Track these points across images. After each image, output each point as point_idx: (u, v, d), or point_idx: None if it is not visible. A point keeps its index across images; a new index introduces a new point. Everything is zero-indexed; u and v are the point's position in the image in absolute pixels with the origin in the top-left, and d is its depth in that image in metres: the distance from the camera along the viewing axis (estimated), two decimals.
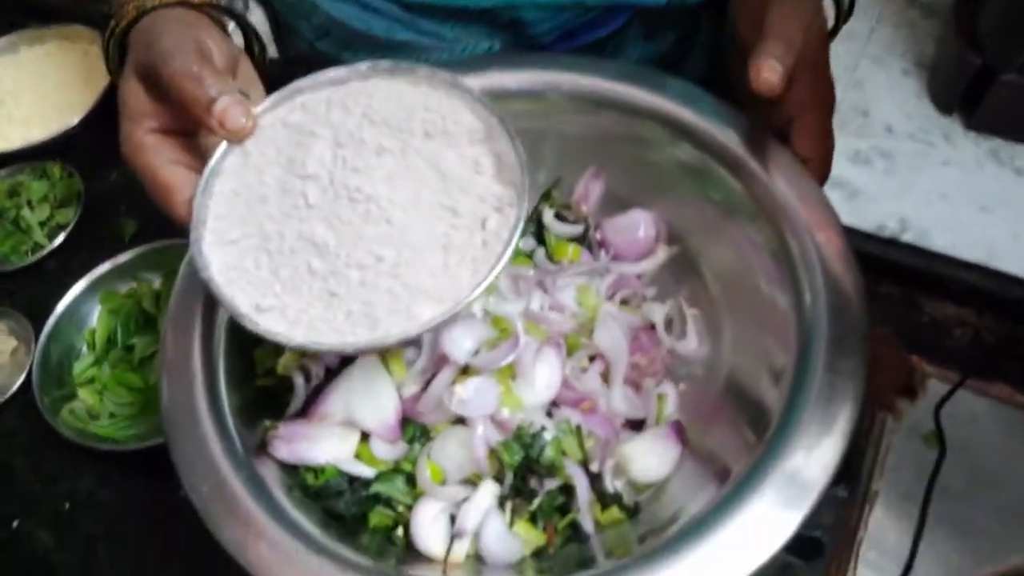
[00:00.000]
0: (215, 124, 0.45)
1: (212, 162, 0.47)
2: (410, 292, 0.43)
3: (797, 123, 0.54)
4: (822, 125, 0.55)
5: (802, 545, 0.55)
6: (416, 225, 0.45)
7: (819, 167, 0.55)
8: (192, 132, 0.50)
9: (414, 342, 0.51)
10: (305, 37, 0.75)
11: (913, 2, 2.19)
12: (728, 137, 0.56)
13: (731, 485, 0.46)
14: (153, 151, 0.48)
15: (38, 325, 0.76)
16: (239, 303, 0.44)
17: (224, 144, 0.47)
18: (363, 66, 0.48)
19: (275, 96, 0.49)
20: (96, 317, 0.76)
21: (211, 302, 0.55)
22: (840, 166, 2.00)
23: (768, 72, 0.49)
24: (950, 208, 1.87)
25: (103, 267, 0.77)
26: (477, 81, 0.60)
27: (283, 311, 0.44)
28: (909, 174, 1.94)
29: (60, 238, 0.83)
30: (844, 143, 2.00)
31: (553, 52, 0.65)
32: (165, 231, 0.79)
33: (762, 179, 0.54)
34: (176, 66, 0.46)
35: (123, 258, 0.78)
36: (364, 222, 0.44)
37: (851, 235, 0.52)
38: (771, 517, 0.43)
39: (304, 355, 0.58)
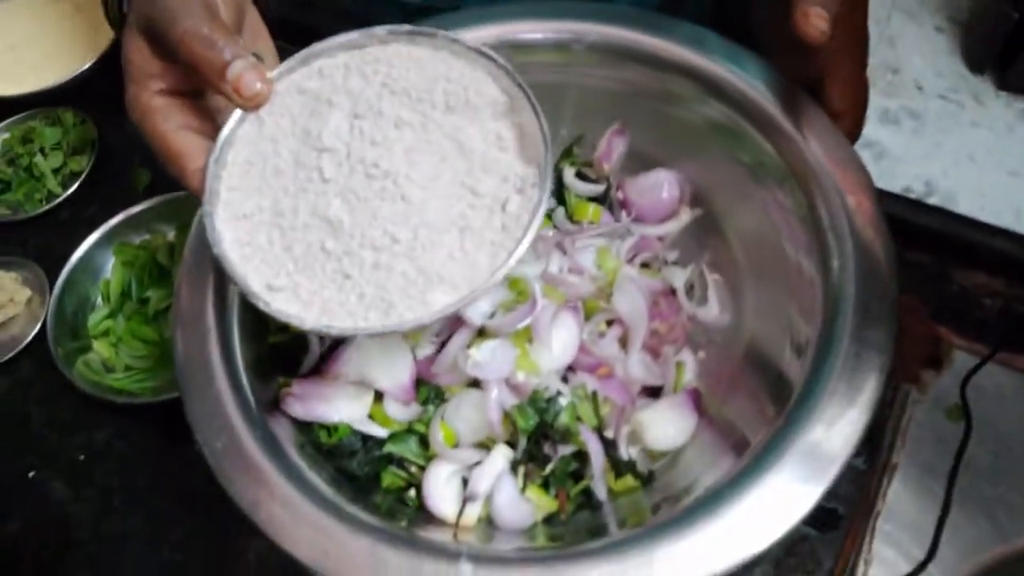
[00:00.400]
0: (229, 90, 0.43)
1: (225, 131, 0.45)
2: (425, 277, 0.42)
3: (831, 74, 0.52)
4: (858, 76, 0.53)
5: (818, 516, 0.55)
6: (434, 204, 0.43)
7: (852, 122, 0.53)
8: (201, 93, 0.48)
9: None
10: None
11: None
12: (762, 95, 0.53)
13: (750, 456, 0.45)
14: (162, 115, 0.46)
15: (52, 275, 0.75)
16: (252, 282, 0.43)
17: (238, 112, 0.45)
18: (382, 30, 0.46)
19: (291, 60, 0.46)
20: (110, 268, 0.76)
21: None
22: (868, 125, 1.96)
23: (817, 18, 0.46)
24: (978, 171, 1.83)
25: (117, 218, 0.76)
26: (497, 30, 0.59)
27: (296, 291, 0.43)
28: (937, 135, 1.89)
29: (74, 187, 0.82)
30: (873, 102, 1.92)
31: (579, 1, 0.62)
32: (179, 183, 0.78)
33: (794, 140, 0.52)
34: (186, 26, 0.43)
35: (137, 209, 0.77)
36: (380, 199, 0.43)
37: (881, 198, 0.50)
38: (790, 490, 0.43)
39: None
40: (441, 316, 0.41)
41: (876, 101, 1.94)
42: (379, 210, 0.43)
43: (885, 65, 2.00)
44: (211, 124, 0.47)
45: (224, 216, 0.44)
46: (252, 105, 0.44)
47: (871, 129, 1.96)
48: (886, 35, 2.04)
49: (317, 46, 0.46)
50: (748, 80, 0.54)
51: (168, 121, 0.46)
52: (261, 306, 0.42)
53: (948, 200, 1.79)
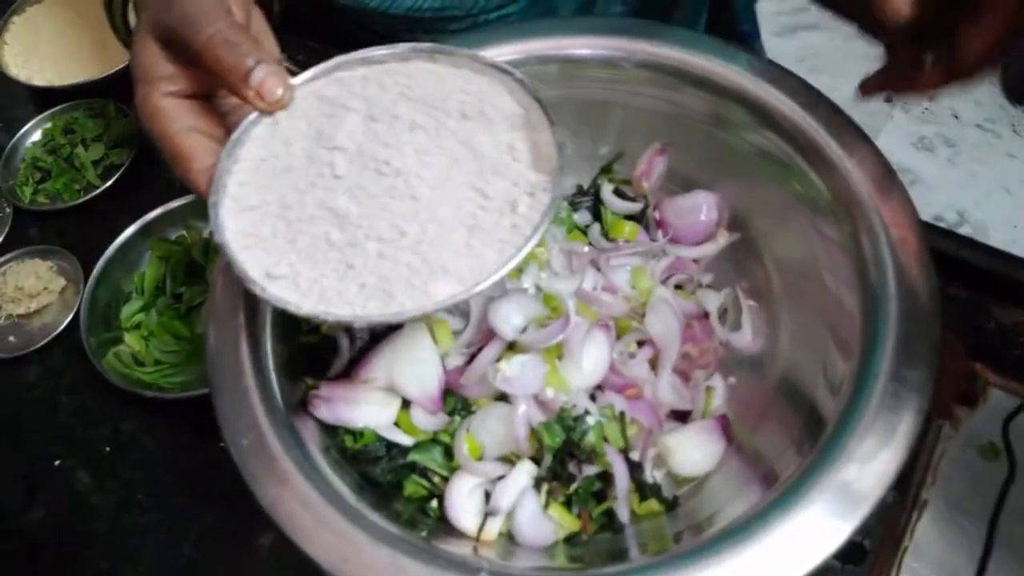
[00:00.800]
0: (251, 95, 0.44)
1: (239, 131, 0.45)
2: (429, 268, 0.42)
3: (972, 20, 0.45)
4: (993, 36, 0.45)
5: (845, 549, 0.54)
6: (443, 203, 0.43)
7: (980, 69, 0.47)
8: (211, 95, 0.48)
9: (428, 316, 0.49)
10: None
11: None
12: (811, 125, 0.53)
13: (779, 489, 0.45)
14: (170, 117, 0.46)
15: (87, 266, 0.76)
16: (250, 268, 0.43)
17: (254, 114, 0.46)
18: (404, 47, 0.47)
19: (313, 70, 0.47)
20: (145, 262, 0.76)
21: None
22: (903, 151, 1.94)
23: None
24: (1012, 202, 1.81)
25: (155, 212, 0.77)
26: (546, 44, 0.59)
27: (295, 280, 0.43)
28: (972, 164, 1.87)
29: (113, 179, 0.83)
30: (908, 128, 1.93)
31: (633, 19, 0.62)
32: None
33: (841, 171, 0.51)
34: (210, 32, 0.43)
35: (174, 205, 0.78)
36: (390, 196, 0.43)
37: (928, 232, 0.49)
38: (819, 527, 0.42)
39: None
40: (443, 306, 0.41)
41: (911, 127, 1.94)
42: (388, 205, 0.43)
43: None
44: (219, 126, 0.47)
45: (230, 208, 0.45)
46: (273, 109, 0.45)
47: (905, 155, 1.95)
48: None
49: (340, 58, 0.47)
50: (799, 110, 0.53)
51: (176, 123, 0.46)
52: (257, 292, 0.42)
53: (979, 231, 1.77)
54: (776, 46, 1.59)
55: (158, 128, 0.46)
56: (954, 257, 0.64)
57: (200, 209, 0.78)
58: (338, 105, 0.46)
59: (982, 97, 1.95)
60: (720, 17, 0.85)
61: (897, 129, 1.93)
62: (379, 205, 0.43)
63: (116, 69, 0.89)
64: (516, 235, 0.42)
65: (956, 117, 1.94)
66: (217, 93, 0.49)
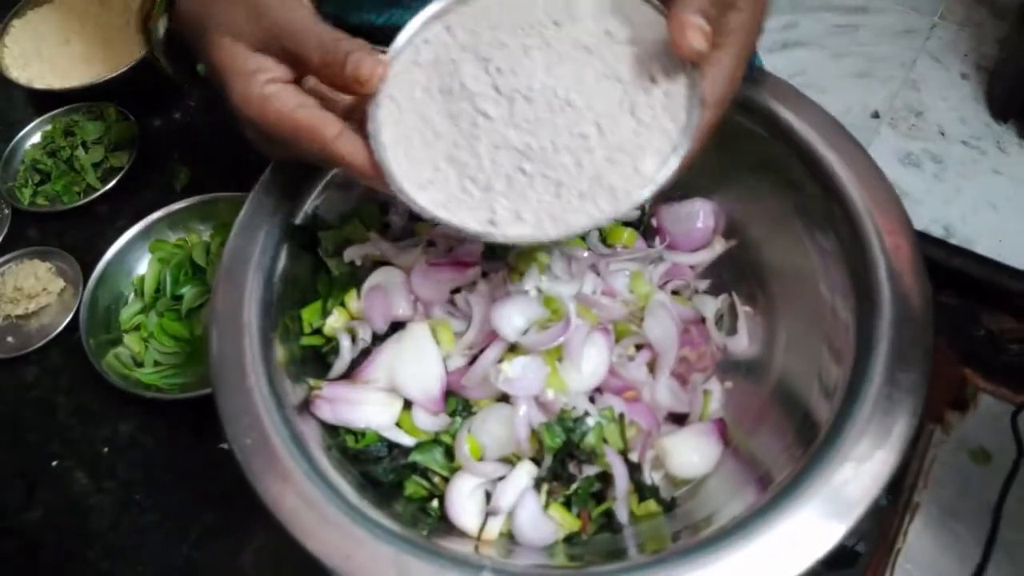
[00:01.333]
0: (350, 80, 0.45)
1: (369, 122, 0.47)
2: (627, 153, 0.44)
3: (709, 63, 0.45)
4: (735, 70, 0.46)
5: (838, 552, 0.55)
6: (596, 100, 0.45)
7: (717, 114, 0.46)
8: (298, 80, 0.50)
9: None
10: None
11: (982, 0, 2.12)
12: (808, 133, 0.54)
13: (774, 491, 0.46)
14: (282, 99, 0.47)
15: (86, 268, 0.77)
16: (468, 223, 0.46)
17: (374, 104, 0.47)
18: None
19: (394, 45, 0.48)
20: (145, 264, 0.77)
21: (263, 257, 0.55)
22: (890, 167, 1.97)
23: (694, 33, 0.42)
24: (997, 218, 1.84)
25: (155, 215, 0.78)
26: None
27: (518, 215, 0.45)
28: (958, 180, 1.90)
29: (113, 182, 0.83)
30: (895, 144, 1.96)
31: None
32: (216, 183, 0.79)
33: (836, 179, 0.52)
34: (307, 39, 0.46)
35: (174, 207, 0.78)
36: (551, 112, 0.45)
37: (920, 240, 0.50)
38: (812, 529, 0.43)
39: (352, 317, 0.59)
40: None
41: (898, 143, 1.96)
42: (556, 122, 0.45)
43: (909, 108, 2.01)
44: (319, 102, 0.48)
45: (411, 188, 0.46)
46: (371, 85, 0.46)
47: (892, 170, 1.97)
48: (911, 78, 2.05)
49: (411, 25, 0.48)
50: (796, 119, 0.55)
51: (292, 101, 0.47)
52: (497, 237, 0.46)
53: (966, 245, 1.79)
54: (766, 61, 1.62)
55: (275, 109, 0.47)
56: (945, 266, 0.65)
57: (200, 212, 0.78)
58: (444, 62, 0.47)
59: (968, 114, 1.98)
60: None
61: (884, 145, 1.96)
62: (549, 125, 0.45)
63: (117, 72, 0.89)
64: (673, 102, 0.44)
65: (942, 134, 1.97)
66: (302, 77, 0.50)
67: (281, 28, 0.47)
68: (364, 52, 0.45)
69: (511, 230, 0.45)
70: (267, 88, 0.48)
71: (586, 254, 0.61)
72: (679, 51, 0.42)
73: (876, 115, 2.00)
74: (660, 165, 0.44)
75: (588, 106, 0.45)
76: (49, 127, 0.88)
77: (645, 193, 0.44)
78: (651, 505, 0.54)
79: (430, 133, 0.47)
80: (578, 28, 0.46)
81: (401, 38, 0.48)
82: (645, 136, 0.45)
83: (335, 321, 0.58)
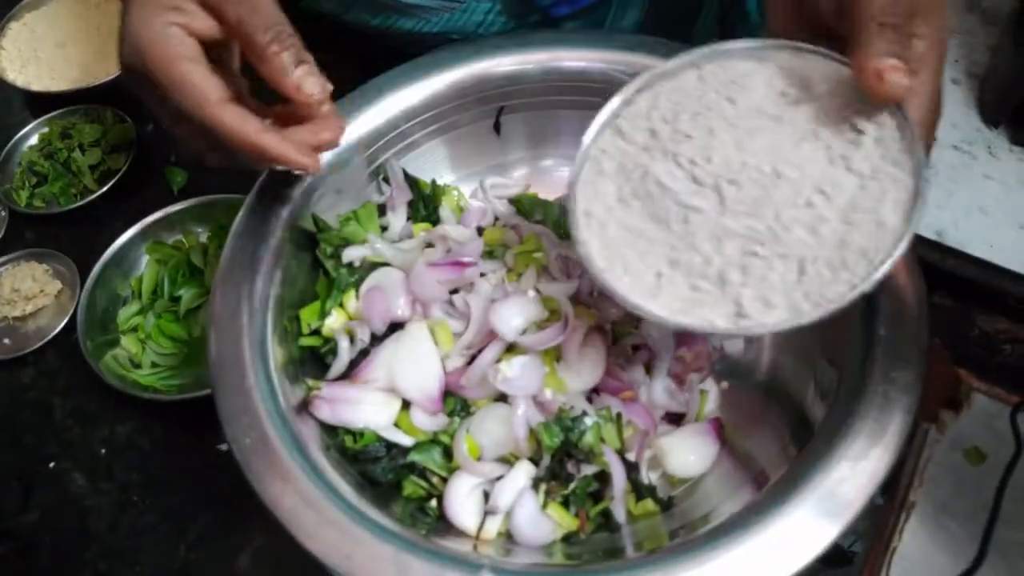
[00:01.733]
0: (291, 85, 0.45)
1: (578, 248, 0.46)
2: (864, 211, 0.41)
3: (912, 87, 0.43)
4: (935, 86, 0.44)
5: (834, 551, 0.55)
6: (806, 165, 0.42)
7: (930, 132, 0.44)
8: (219, 52, 0.48)
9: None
10: (302, 2, 0.74)
11: (973, 7, 2.14)
12: None
13: (770, 490, 0.46)
14: (177, 44, 0.44)
15: (83, 270, 0.76)
16: (717, 322, 0.43)
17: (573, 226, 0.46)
18: (694, 55, 0.47)
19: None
20: (142, 266, 0.77)
21: (262, 258, 0.55)
22: None
23: (894, 73, 0.40)
24: (989, 223, 1.84)
25: (152, 216, 0.78)
26: (543, 56, 0.61)
27: (767, 301, 0.42)
28: (950, 185, 1.91)
29: (110, 184, 0.83)
30: None
31: (629, 33, 0.63)
32: (214, 185, 0.79)
33: None
34: (263, 13, 0.44)
35: (172, 209, 0.78)
36: (764, 190, 0.43)
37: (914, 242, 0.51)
38: (808, 527, 0.43)
39: (350, 318, 0.59)
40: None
41: None
42: (773, 197, 0.43)
43: None
44: (229, 82, 0.47)
45: (642, 301, 0.44)
46: (312, 109, 0.47)
47: None
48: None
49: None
50: None
51: (181, 52, 0.45)
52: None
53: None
54: None
55: (159, 51, 0.43)
56: (939, 267, 0.66)
57: (197, 214, 0.78)
58: (630, 168, 0.46)
59: (959, 120, 1.99)
60: None
61: None
62: (769, 204, 0.42)
63: (114, 75, 0.89)
64: (897, 187, 0.41)
65: (934, 138, 1.98)
66: (226, 48, 0.48)
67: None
68: (315, 70, 0.45)
69: (767, 319, 0.42)
70: (169, 28, 0.44)
71: None
72: (881, 98, 0.41)
73: None
74: (906, 213, 0.41)
75: (801, 174, 0.43)
76: (46, 129, 0.88)
77: (902, 246, 0.40)
78: (648, 504, 0.54)
79: (643, 243, 0.45)
80: (755, 98, 0.45)
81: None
82: (875, 188, 0.41)
83: (334, 322, 0.59)
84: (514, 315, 0.55)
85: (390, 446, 0.55)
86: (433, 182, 0.66)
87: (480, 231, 0.63)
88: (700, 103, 0.46)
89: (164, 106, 0.47)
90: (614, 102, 0.48)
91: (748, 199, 0.43)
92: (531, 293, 0.56)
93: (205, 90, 0.44)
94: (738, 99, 0.45)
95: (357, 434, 0.55)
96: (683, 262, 0.44)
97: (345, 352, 0.58)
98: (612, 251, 0.45)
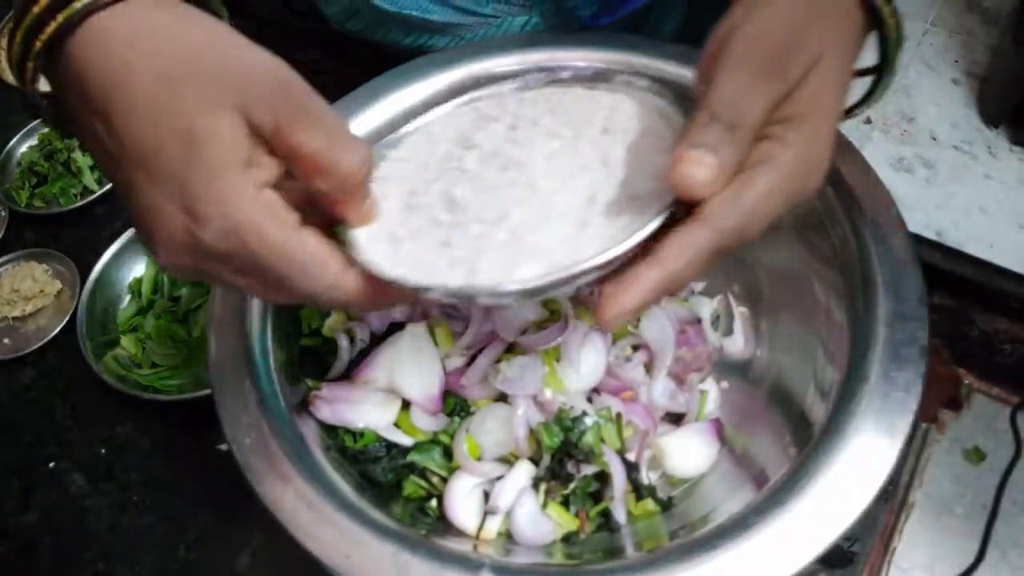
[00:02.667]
0: (346, 182, 0.37)
1: (395, 134, 0.47)
2: (521, 250, 0.39)
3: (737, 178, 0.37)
4: (760, 201, 0.36)
5: (834, 551, 0.55)
6: (560, 198, 0.41)
7: (711, 239, 0.36)
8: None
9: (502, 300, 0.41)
10: (332, 18, 0.73)
11: (973, 7, 2.14)
12: None
13: (770, 490, 0.46)
14: (280, 216, 0.35)
15: (83, 270, 0.77)
16: (358, 233, 0.41)
17: (411, 125, 0.48)
18: (566, 73, 0.49)
19: (478, 92, 0.49)
20: (142, 266, 0.77)
21: None
22: (882, 172, 1.97)
23: (690, 165, 0.35)
24: (989, 223, 1.85)
25: None
26: (544, 56, 0.61)
27: (397, 247, 0.41)
28: (950, 185, 1.91)
29: (110, 184, 0.83)
30: (887, 149, 1.97)
31: (628, 33, 0.63)
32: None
33: (832, 183, 0.53)
34: (312, 108, 0.35)
35: None
36: (507, 187, 0.43)
37: (914, 242, 0.51)
38: (808, 528, 0.43)
39: (350, 318, 0.59)
40: (524, 287, 0.37)
41: (890, 148, 1.97)
42: (502, 195, 0.42)
43: (900, 114, 2.02)
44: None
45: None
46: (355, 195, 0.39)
47: (885, 175, 1.97)
48: (902, 84, 2.06)
49: (499, 86, 0.49)
50: None
51: (289, 221, 0.35)
52: (356, 254, 0.40)
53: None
54: None
55: (270, 232, 0.34)
56: (939, 267, 0.66)
57: None
58: (488, 117, 0.48)
59: (959, 120, 2.00)
60: None
61: (876, 150, 1.97)
62: (494, 195, 0.42)
63: None
64: (620, 233, 0.38)
65: (934, 139, 1.98)
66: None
67: (306, 100, 0.35)
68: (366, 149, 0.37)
69: (377, 253, 0.40)
70: (265, 195, 0.35)
71: None
72: (671, 181, 0.36)
73: (868, 121, 2.01)
74: (534, 276, 0.37)
75: (545, 198, 0.41)
76: (46, 129, 0.88)
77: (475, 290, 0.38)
78: (648, 504, 0.54)
79: (422, 162, 0.46)
80: (623, 145, 0.43)
81: (489, 90, 0.49)
82: (562, 248, 0.38)
83: (333, 322, 0.59)
84: (514, 315, 0.55)
85: (390, 446, 0.55)
86: None
87: None
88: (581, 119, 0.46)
89: (245, 277, 0.38)
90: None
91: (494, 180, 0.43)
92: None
93: (328, 263, 0.37)
94: (543, 120, 0.46)
95: (357, 434, 0.55)
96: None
97: (345, 352, 0.58)
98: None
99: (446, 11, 0.67)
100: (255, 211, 0.34)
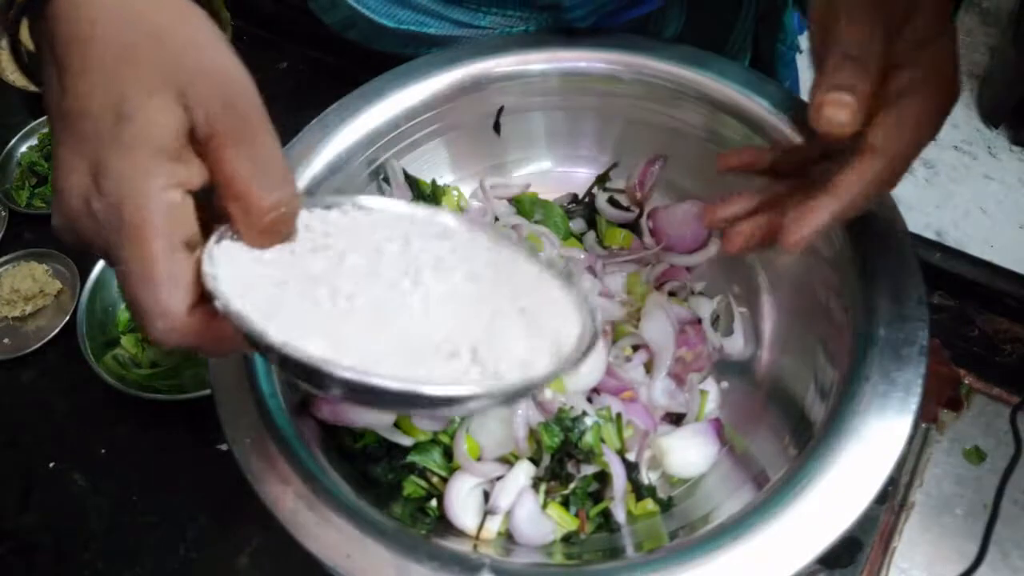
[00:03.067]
0: (261, 227, 0.35)
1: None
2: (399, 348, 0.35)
3: (886, 110, 0.41)
4: (917, 116, 0.41)
5: (835, 551, 0.55)
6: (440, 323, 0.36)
7: (888, 165, 0.41)
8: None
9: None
10: (332, 28, 0.73)
11: (972, 7, 2.14)
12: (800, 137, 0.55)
13: (770, 490, 0.46)
14: (175, 222, 0.33)
15: (83, 270, 0.77)
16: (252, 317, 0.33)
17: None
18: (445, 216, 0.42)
19: (347, 198, 0.41)
20: None
21: None
22: None
23: (835, 108, 0.39)
24: (988, 223, 1.85)
25: None
26: (545, 56, 0.61)
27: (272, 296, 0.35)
28: (950, 185, 1.91)
29: None
30: None
31: (629, 34, 0.63)
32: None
33: None
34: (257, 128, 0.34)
35: None
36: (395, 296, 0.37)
37: (913, 242, 0.51)
38: (808, 527, 0.43)
39: None
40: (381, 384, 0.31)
41: None
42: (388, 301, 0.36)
43: None
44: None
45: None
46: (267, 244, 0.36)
47: None
48: None
49: (382, 201, 0.42)
50: (789, 123, 0.55)
51: (177, 233, 0.33)
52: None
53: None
54: None
55: (148, 236, 0.32)
56: (938, 267, 0.66)
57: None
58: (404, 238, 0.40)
59: (959, 120, 2.00)
60: (764, 73, 0.81)
61: None
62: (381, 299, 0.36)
63: None
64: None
65: (934, 139, 1.99)
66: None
67: (216, 80, 0.34)
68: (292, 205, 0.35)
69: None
70: (169, 194, 0.33)
71: (583, 255, 0.62)
72: (818, 129, 0.40)
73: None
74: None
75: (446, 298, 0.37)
76: (46, 129, 0.88)
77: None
78: (648, 504, 0.54)
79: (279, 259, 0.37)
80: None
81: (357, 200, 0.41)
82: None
83: None
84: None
85: (390, 446, 0.55)
86: (433, 182, 0.66)
87: None
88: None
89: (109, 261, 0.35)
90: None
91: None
92: None
93: (178, 296, 0.33)
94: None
95: (357, 434, 0.55)
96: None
97: None
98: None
99: (444, 25, 0.67)
100: (150, 203, 0.32)
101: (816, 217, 0.42)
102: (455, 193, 0.66)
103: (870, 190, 0.42)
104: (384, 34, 0.70)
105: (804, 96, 0.86)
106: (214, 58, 0.35)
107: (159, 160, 0.33)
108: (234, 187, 0.34)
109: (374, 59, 0.66)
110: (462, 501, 0.53)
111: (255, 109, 0.35)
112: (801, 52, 0.82)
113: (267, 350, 0.32)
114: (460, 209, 0.66)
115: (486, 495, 0.54)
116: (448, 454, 0.55)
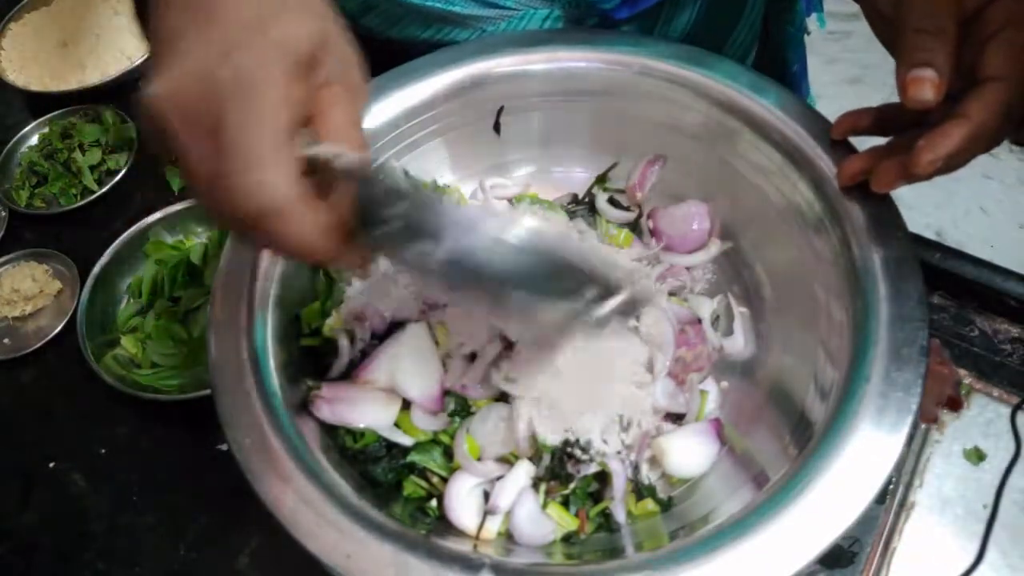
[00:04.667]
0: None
1: None
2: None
3: (995, 40, 0.44)
4: (1008, 93, 0.44)
5: (835, 551, 0.55)
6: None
7: (1009, 88, 0.44)
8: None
9: None
10: (347, 12, 0.72)
11: None
12: (803, 140, 0.55)
13: (770, 490, 0.46)
14: (290, 100, 0.36)
15: (83, 270, 0.77)
16: None
17: None
18: None
19: None
20: (142, 266, 0.77)
21: (261, 259, 0.55)
22: None
23: (921, 86, 0.43)
24: (988, 222, 1.85)
25: (152, 217, 0.78)
26: (546, 55, 0.61)
27: None
28: (950, 184, 1.91)
29: (110, 184, 0.84)
30: None
31: (628, 32, 0.63)
32: None
33: (831, 183, 0.53)
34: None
35: (172, 209, 0.78)
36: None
37: (913, 242, 0.51)
38: (808, 528, 0.43)
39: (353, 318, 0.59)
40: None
41: None
42: None
43: None
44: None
45: None
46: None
47: None
48: None
49: None
50: (791, 123, 0.55)
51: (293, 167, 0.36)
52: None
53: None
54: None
55: (274, 93, 0.35)
56: (938, 267, 0.66)
57: (198, 214, 0.78)
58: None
59: None
60: (773, 56, 0.83)
61: None
62: None
63: (114, 75, 0.89)
64: None
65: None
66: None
67: (348, 53, 0.40)
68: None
69: None
70: (294, 87, 0.36)
71: None
72: (911, 105, 0.44)
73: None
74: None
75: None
76: (46, 129, 0.88)
77: None
78: (648, 504, 0.54)
79: None
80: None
81: None
82: None
83: (334, 321, 0.59)
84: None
85: (390, 446, 0.55)
86: (433, 182, 0.66)
87: None
88: None
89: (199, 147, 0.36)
90: None
91: None
92: None
93: (291, 153, 0.36)
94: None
95: (357, 434, 0.55)
96: None
97: (345, 352, 0.58)
98: None
99: (469, 3, 0.67)
100: (280, 77, 0.35)
101: (949, 140, 0.44)
102: (455, 193, 0.66)
103: (998, 111, 0.44)
104: (406, 16, 0.69)
105: (810, 85, 0.86)
106: (345, 31, 0.40)
107: (289, 62, 0.36)
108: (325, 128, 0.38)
109: (376, 58, 0.66)
110: (462, 501, 0.53)
111: (363, 92, 0.41)
112: (809, 34, 0.82)
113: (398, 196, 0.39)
114: None
115: (486, 495, 0.54)
116: (448, 454, 0.55)
